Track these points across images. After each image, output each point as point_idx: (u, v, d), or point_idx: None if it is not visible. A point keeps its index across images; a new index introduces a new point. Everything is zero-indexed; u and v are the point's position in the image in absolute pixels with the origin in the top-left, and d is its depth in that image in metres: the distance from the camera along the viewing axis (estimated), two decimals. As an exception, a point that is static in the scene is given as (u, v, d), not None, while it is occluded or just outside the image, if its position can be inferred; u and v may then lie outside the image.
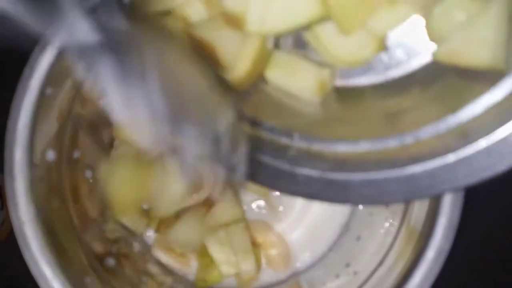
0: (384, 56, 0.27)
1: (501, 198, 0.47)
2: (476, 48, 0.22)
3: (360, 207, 0.42)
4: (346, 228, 0.44)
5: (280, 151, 0.26)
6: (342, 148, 0.25)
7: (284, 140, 0.27)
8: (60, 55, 0.31)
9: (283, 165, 0.26)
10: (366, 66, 0.27)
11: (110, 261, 0.37)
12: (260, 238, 0.44)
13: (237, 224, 0.40)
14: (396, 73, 0.27)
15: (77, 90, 0.35)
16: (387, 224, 0.38)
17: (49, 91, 0.32)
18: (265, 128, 0.27)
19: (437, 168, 0.22)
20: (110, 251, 0.38)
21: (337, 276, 0.39)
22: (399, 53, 0.27)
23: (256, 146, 0.26)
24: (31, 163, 0.31)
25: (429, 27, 0.25)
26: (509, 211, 0.46)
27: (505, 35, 0.22)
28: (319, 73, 0.28)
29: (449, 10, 0.23)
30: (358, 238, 0.42)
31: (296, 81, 0.28)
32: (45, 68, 0.31)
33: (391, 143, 0.24)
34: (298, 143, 0.26)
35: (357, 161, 0.24)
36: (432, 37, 0.25)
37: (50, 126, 0.33)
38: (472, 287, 0.48)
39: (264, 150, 0.27)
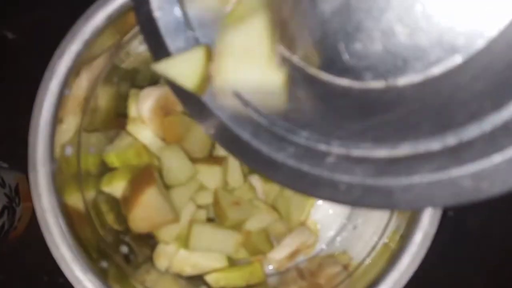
0: (421, 54, 0.25)
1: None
2: None
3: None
4: (348, 220, 0.46)
5: (319, 159, 0.25)
6: (382, 153, 0.24)
7: (321, 147, 0.26)
8: (77, 60, 0.34)
9: (323, 173, 0.25)
10: (404, 65, 0.25)
11: (124, 248, 0.40)
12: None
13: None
14: (437, 70, 0.24)
15: (92, 91, 0.39)
16: (380, 212, 0.40)
17: (67, 92, 0.35)
18: (301, 136, 0.26)
19: (483, 170, 0.21)
20: (123, 240, 0.40)
21: (335, 262, 0.42)
22: (437, 51, 0.24)
23: (294, 154, 0.26)
24: (52, 158, 0.34)
25: None
26: (508, 204, 0.48)
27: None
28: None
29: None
30: (355, 227, 0.45)
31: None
32: (64, 71, 0.34)
33: (433, 146, 0.22)
34: (336, 150, 0.25)
35: (398, 165, 0.23)
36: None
37: (68, 125, 0.36)
38: (471, 277, 0.49)
39: (302, 158, 0.26)
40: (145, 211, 0.37)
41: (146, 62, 0.43)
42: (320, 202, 0.46)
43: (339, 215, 0.46)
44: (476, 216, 0.48)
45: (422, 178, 0.22)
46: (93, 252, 0.35)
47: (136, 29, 0.38)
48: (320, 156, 0.25)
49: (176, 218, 0.39)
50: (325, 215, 0.46)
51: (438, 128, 0.22)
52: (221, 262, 0.41)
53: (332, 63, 0.26)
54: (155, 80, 0.46)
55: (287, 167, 0.26)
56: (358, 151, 0.24)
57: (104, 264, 0.36)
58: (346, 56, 0.25)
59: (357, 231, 0.44)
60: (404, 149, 0.23)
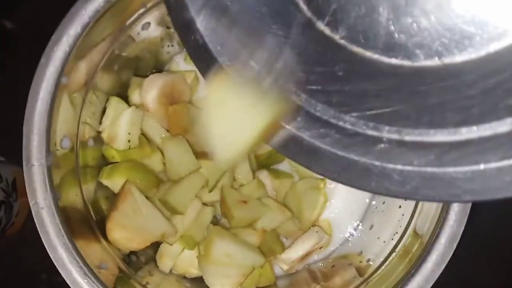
0: (482, 28, 0.22)
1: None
2: None
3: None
4: (363, 219, 0.44)
5: (368, 145, 0.23)
6: (442, 138, 0.21)
7: (371, 132, 0.23)
8: (75, 45, 0.32)
9: (373, 161, 0.23)
10: (462, 41, 0.22)
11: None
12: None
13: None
14: (500, 45, 0.22)
15: (91, 79, 0.36)
16: (400, 211, 0.38)
17: (64, 80, 0.33)
18: (347, 121, 0.24)
19: None
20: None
21: (349, 264, 0.40)
22: (500, 24, 0.22)
23: (339, 141, 0.24)
24: (48, 151, 0.32)
25: None
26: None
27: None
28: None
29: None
30: (371, 227, 0.42)
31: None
32: (61, 57, 0.32)
33: (501, 128, 0.20)
34: (388, 135, 0.23)
35: (461, 151, 0.21)
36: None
37: (65, 115, 0.34)
38: (483, 274, 0.48)
39: (349, 145, 0.23)
40: (123, 229, 0.35)
41: (149, 49, 0.41)
42: (333, 200, 0.43)
43: (354, 213, 0.43)
44: (491, 213, 0.47)
45: (489, 165, 0.20)
46: (93, 253, 0.33)
47: (138, 13, 0.36)
48: (370, 142, 0.23)
49: (169, 232, 0.37)
50: (339, 214, 0.43)
51: (505, 109, 0.20)
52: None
53: (379, 41, 0.23)
54: (158, 69, 0.44)
55: (332, 155, 0.23)
56: (413, 136, 0.22)
57: (104, 265, 0.33)
58: (394, 33, 0.23)
59: (373, 230, 0.41)
60: (466, 133, 0.21)
